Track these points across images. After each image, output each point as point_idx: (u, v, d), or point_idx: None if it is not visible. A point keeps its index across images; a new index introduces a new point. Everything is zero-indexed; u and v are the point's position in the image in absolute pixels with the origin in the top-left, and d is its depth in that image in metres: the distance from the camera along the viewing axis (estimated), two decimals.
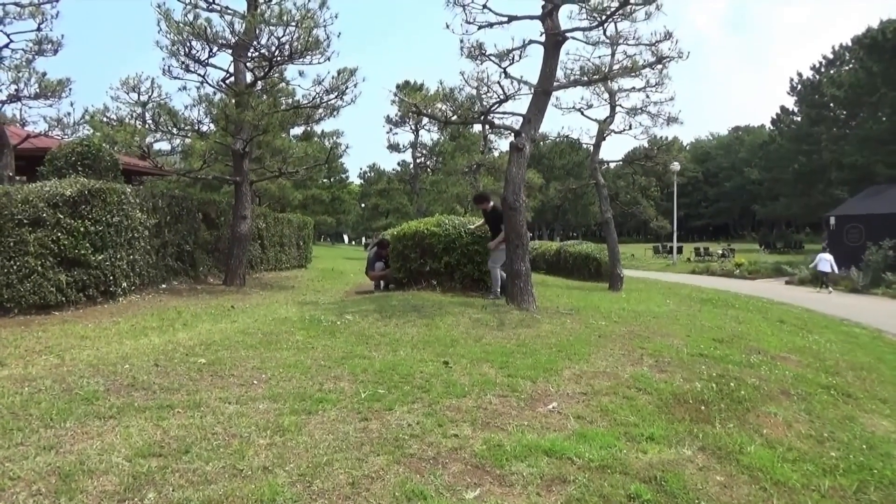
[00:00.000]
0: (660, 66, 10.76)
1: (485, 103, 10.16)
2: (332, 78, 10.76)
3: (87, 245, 7.81)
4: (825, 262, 20.17)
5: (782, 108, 57.52)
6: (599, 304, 9.63)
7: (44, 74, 10.92)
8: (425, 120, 39.16)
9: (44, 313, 7.25)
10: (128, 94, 10.00)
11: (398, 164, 52.68)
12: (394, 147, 45.81)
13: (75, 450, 2.97)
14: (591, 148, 16.33)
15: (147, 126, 10.24)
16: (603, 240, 16.61)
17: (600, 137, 15.43)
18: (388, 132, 45.39)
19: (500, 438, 3.32)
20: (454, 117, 10.19)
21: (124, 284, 8.60)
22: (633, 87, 14.82)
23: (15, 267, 7.09)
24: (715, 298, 12.83)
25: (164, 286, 9.93)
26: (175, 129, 10.39)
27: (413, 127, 43.01)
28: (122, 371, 4.43)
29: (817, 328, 9.86)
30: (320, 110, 11.09)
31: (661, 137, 18.48)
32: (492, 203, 9.67)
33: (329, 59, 10.75)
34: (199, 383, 4.19)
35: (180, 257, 10.70)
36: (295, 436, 3.22)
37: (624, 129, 15.83)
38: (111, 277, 8.27)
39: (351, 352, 5.23)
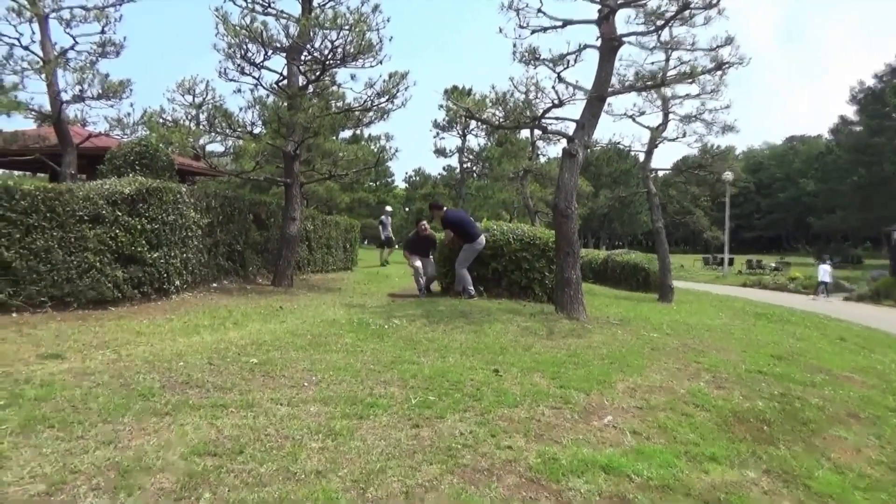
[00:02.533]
0: (719, 73, 10.49)
1: (537, 108, 10.02)
2: (384, 81, 10.79)
3: (144, 242, 7.98)
4: (825, 272, 23.81)
5: (841, 118, 55.30)
6: (650, 316, 9.46)
7: (106, 76, 11.23)
8: (473, 125, 39.24)
9: (101, 308, 7.42)
10: (183, 95, 10.13)
11: (444, 168, 52.69)
12: (440, 151, 46.01)
13: (133, 445, 3.03)
14: (642, 156, 16.07)
15: (201, 127, 10.34)
16: (650, 249, 16.35)
17: (652, 145, 15.20)
18: (434, 136, 45.68)
19: (554, 451, 3.24)
20: (505, 122, 10.13)
21: (177, 282, 8.77)
22: (688, 94, 14.57)
23: (75, 262, 7.27)
24: (769, 313, 12.45)
25: (214, 285, 10.10)
26: (228, 130, 10.55)
27: (460, 132, 43.05)
28: (177, 368, 4.50)
29: (880, 347, 9.42)
30: (370, 113, 11.15)
31: (714, 146, 18.03)
32: (445, 208, 10.32)
33: (381, 62, 10.82)
34: (251, 383, 4.23)
35: (231, 257, 10.86)
36: (347, 440, 3.21)
37: (677, 137, 15.56)
38: (165, 275, 8.44)
39: (400, 356, 5.22)
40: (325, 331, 6.32)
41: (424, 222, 11.89)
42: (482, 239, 9.71)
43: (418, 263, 10.94)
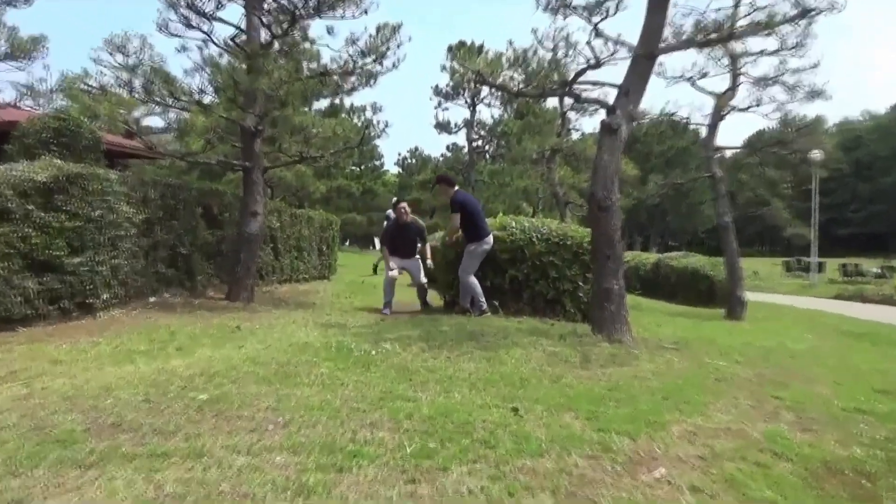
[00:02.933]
0: (804, 21, 10.44)
1: (567, 70, 10.02)
2: (370, 37, 10.78)
3: (62, 245, 7.98)
4: None
5: None
6: (715, 337, 9.49)
7: (14, 30, 11.26)
8: (485, 92, 39.28)
9: (7, 329, 7.40)
10: (112, 55, 10.07)
11: (448, 147, 52.69)
12: (443, 126, 46.16)
13: None
14: (704, 130, 16.07)
15: (136, 96, 10.32)
16: (714, 251, 16.35)
17: (717, 116, 15.22)
18: (436, 107, 45.69)
19: None
20: (527, 88, 10.13)
21: (105, 296, 8.79)
22: (764, 50, 14.45)
23: None
24: (873, 333, 12.46)
25: (153, 299, 10.12)
26: (171, 99, 10.47)
27: (468, 101, 43.06)
28: (105, 407, 4.50)
29: None
30: (353, 78, 11.17)
31: (798, 117, 17.97)
32: (457, 187, 10.09)
33: (366, 12, 10.85)
34: (199, 426, 4.23)
35: (174, 263, 10.86)
36: (323, 499, 3.21)
37: (749, 106, 15.55)
38: (90, 286, 8.44)
39: (391, 391, 5.22)
40: (294, 358, 6.31)
41: (405, 203, 11.74)
42: (491, 238, 9.77)
43: (395, 272, 10.93)
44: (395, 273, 10.90)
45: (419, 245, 11.26)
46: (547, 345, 7.24)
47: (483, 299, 9.59)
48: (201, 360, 6.17)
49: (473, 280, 9.63)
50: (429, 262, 11.26)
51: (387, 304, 10.86)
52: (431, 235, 17.22)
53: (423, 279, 11.24)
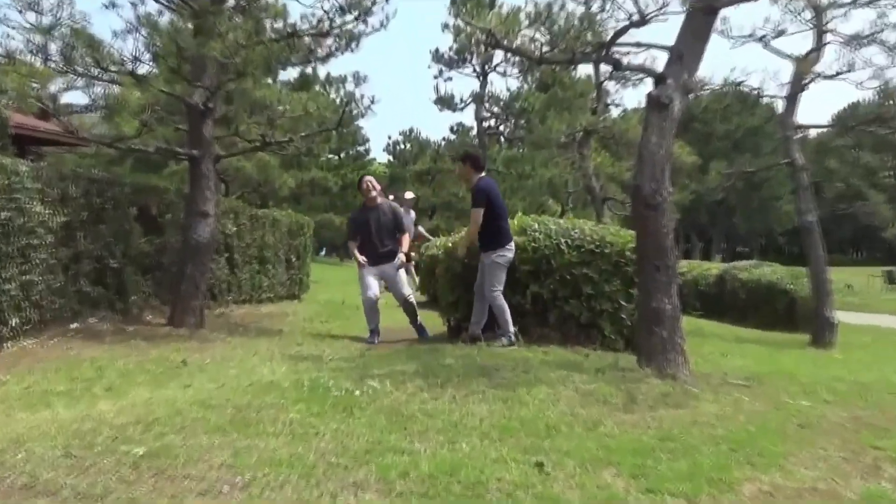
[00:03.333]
0: None
1: (604, 29, 10.13)
2: None
3: None
4: None
5: None
6: (797, 370, 9.44)
7: None
8: (498, 57, 39.04)
9: None
10: (23, 13, 10.03)
11: (452, 129, 52.63)
12: (445, 101, 45.52)
13: None
14: (780, 104, 16.04)
15: (52, 65, 10.29)
16: (795, 258, 16.33)
17: (798, 86, 15.22)
18: (436, 76, 45.16)
19: None
20: (553, 52, 10.11)
21: (14, 322, 8.77)
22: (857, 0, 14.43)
23: None
24: None
25: (75, 325, 10.07)
26: (96, 69, 10.37)
27: (478, 69, 42.84)
28: (15, 463, 4.46)
29: None
30: (330, 41, 11.26)
31: None
32: (484, 173, 10.06)
33: None
34: (135, 487, 4.19)
35: (101, 279, 10.80)
36: None
37: (839, 72, 15.47)
38: None
39: (380, 442, 5.18)
40: (256, 400, 6.26)
41: (370, 178, 11.53)
42: (513, 245, 9.75)
43: (373, 292, 10.84)
44: (373, 294, 10.83)
45: (397, 235, 11.13)
46: (580, 381, 7.18)
47: (512, 328, 9.58)
48: (137, 404, 6.11)
49: (503, 301, 9.58)
50: (401, 256, 11.10)
51: (373, 331, 10.83)
52: (426, 243, 17.02)
53: (408, 291, 11.21)
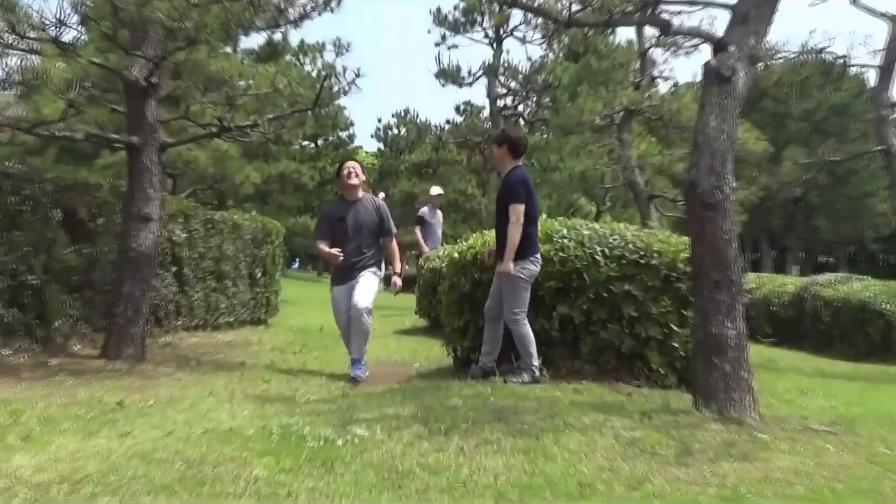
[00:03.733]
0: None
1: None
2: None
3: None
4: None
5: None
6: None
7: None
8: (516, 19, 37.95)
9: None
10: None
11: (458, 109, 51.17)
12: (448, 75, 43.71)
13: None
14: (872, 76, 16.41)
15: None
16: (893, 271, 15.59)
17: (895, 53, 14.43)
18: (437, 44, 43.38)
19: None
20: (585, 11, 9.39)
21: None
22: None
23: None
24: None
25: None
26: (11, 36, 9.86)
27: (490, 33, 41.74)
28: None
29: None
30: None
31: None
32: (521, 161, 9.46)
33: None
34: None
35: (17, 300, 10.30)
36: None
37: None
38: None
39: None
40: (212, 453, 5.78)
41: (354, 163, 10.33)
42: (539, 257, 9.00)
43: (341, 301, 9.81)
44: (346, 316, 9.75)
45: (382, 242, 10.06)
46: (621, 427, 6.67)
47: (536, 361, 8.87)
48: (61, 458, 5.66)
49: (529, 328, 8.92)
50: (396, 281, 10.32)
51: (356, 360, 9.75)
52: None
53: (367, 304, 9.69)
